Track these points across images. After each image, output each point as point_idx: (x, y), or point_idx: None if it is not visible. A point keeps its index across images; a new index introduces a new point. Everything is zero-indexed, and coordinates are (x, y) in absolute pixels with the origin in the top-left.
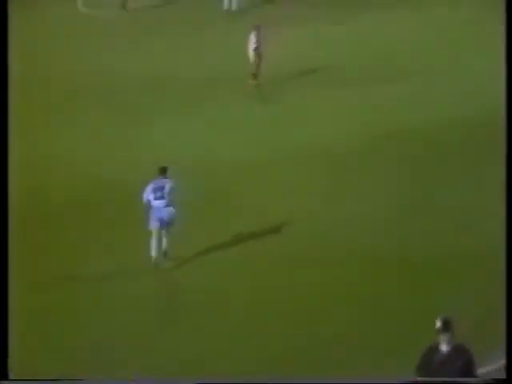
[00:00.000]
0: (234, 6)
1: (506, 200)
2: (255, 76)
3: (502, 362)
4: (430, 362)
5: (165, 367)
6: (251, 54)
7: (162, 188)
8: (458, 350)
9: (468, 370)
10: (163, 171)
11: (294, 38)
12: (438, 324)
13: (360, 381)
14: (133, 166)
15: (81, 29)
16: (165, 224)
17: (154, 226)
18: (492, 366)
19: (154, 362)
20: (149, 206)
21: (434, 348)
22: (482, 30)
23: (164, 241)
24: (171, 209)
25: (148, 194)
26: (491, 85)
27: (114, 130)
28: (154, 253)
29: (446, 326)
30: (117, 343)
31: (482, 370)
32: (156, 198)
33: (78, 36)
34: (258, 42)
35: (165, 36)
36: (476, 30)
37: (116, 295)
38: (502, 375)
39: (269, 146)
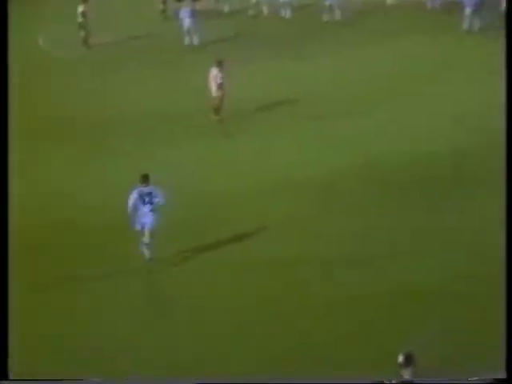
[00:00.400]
0: (196, 41)
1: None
2: (217, 111)
3: None
4: None
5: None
6: (214, 89)
7: (148, 194)
8: None
9: None
10: (145, 179)
11: (257, 73)
12: (401, 359)
13: (360, 381)
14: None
15: (43, 67)
16: (149, 227)
17: (139, 229)
18: None
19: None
20: (135, 211)
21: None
22: (461, 59)
23: (149, 243)
24: (155, 214)
25: (135, 201)
26: (480, 113)
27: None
28: (145, 254)
29: (408, 360)
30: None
31: None
32: (145, 203)
33: (42, 74)
34: (222, 77)
35: (127, 72)
36: (455, 59)
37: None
38: None
39: (234, 178)
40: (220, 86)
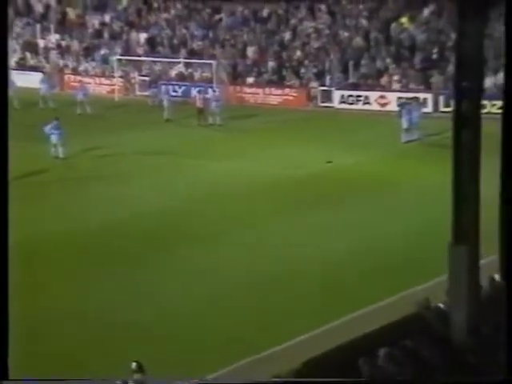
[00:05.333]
0: None
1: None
2: None
3: None
4: None
5: None
6: None
7: (57, 127)
8: None
9: None
10: (57, 119)
11: None
12: (133, 366)
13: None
14: None
15: None
16: (58, 141)
17: (53, 141)
18: None
19: None
20: (49, 133)
21: None
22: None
23: (60, 149)
24: (60, 134)
25: (49, 129)
26: None
27: None
28: (55, 153)
29: (140, 367)
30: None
31: None
32: (53, 129)
33: None
34: None
35: None
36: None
37: None
38: None
39: None
40: None
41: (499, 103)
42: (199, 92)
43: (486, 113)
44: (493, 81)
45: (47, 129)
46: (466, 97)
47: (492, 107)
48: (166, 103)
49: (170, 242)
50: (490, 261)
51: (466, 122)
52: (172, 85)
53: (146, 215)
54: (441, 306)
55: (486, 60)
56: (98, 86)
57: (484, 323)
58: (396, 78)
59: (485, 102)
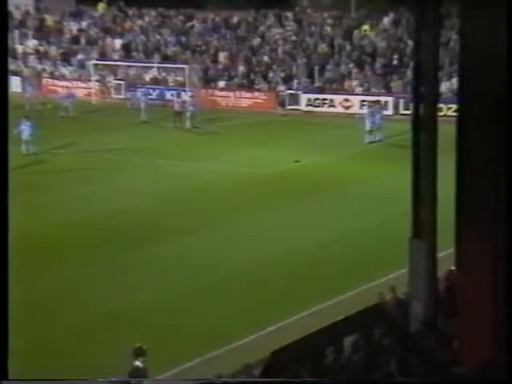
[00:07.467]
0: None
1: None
2: None
3: None
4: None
5: None
6: None
7: (27, 125)
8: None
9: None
10: (27, 117)
11: None
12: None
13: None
14: None
15: None
16: (27, 137)
17: (24, 137)
18: None
19: None
20: (20, 132)
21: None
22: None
23: (30, 146)
24: (30, 131)
25: (21, 128)
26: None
27: None
28: (24, 150)
29: (140, 351)
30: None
31: None
32: (24, 126)
33: None
34: None
35: None
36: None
37: None
38: None
39: None
40: None
41: (455, 106)
42: (178, 96)
43: (443, 115)
44: (448, 86)
45: (18, 127)
46: (424, 100)
47: (448, 110)
48: (142, 106)
49: (143, 237)
50: (447, 254)
51: (423, 124)
52: (147, 88)
53: (118, 212)
54: (401, 296)
55: (441, 66)
56: (75, 90)
57: (440, 310)
58: (359, 82)
59: (441, 106)
